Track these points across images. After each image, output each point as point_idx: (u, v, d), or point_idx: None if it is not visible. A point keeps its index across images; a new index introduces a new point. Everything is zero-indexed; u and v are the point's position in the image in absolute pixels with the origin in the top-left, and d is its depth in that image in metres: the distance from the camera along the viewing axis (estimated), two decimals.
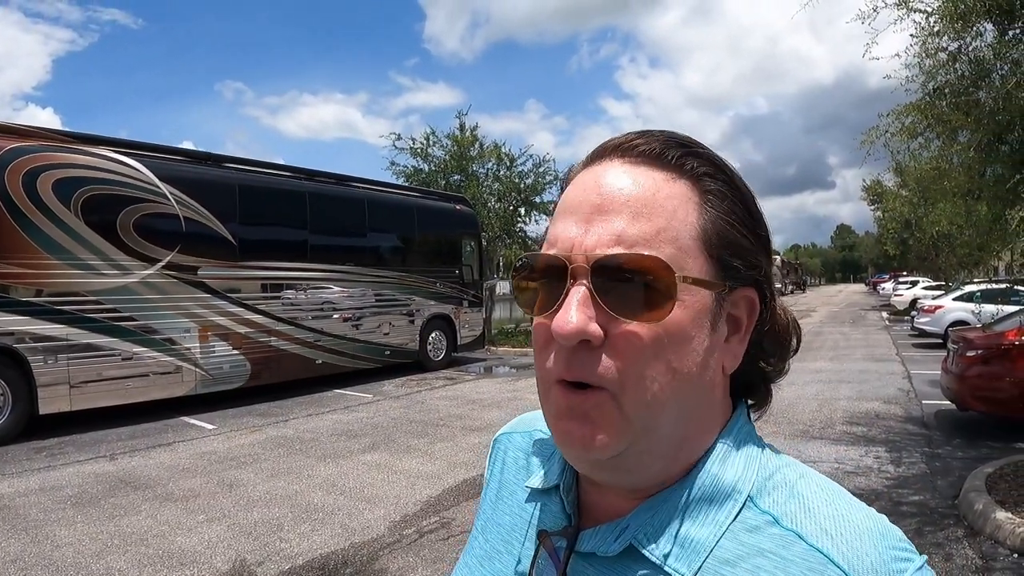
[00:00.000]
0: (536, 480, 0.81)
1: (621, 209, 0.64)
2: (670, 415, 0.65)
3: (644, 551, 0.66)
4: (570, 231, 0.66)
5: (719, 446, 0.70)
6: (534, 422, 0.91)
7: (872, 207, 42.19)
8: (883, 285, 53.66)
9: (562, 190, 0.73)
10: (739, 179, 0.71)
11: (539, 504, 0.79)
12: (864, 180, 40.72)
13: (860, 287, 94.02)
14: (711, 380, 0.68)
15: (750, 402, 0.78)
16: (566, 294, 0.64)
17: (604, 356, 0.63)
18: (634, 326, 0.63)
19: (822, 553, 0.61)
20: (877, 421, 8.86)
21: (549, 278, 0.66)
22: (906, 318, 24.35)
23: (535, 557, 0.74)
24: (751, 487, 0.67)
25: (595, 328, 0.62)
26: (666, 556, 0.65)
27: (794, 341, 0.79)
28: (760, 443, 0.73)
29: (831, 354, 16.34)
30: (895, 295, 34.48)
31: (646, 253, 0.63)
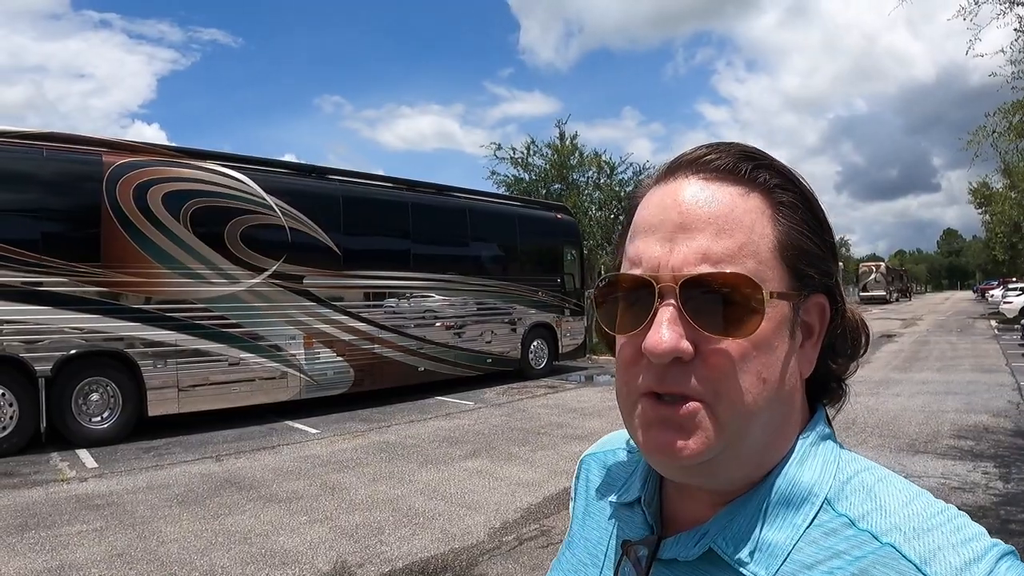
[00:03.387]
0: (619, 495, 0.83)
1: (704, 227, 0.66)
2: (760, 422, 0.66)
3: (723, 555, 0.67)
4: (654, 250, 0.67)
5: (797, 449, 0.70)
6: (616, 441, 0.93)
7: (979, 210, 40.53)
8: (991, 292, 51.55)
9: (631, 205, 0.75)
10: (808, 188, 0.72)
11: (623, 518, 0.81)
12: (970, 182, 39.20)
13: (967, 294, 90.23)
14: (793, 386, 0.70)
15: (826, 402, 0.78)
16: (654, 313, 0.65)
17: (697, 370, 0.64)
18: (725, 342, 0.64)
19: (893, 547, 0.61)
20: (986, 435, 8.25)
21: (634, 297, 0.68)
22: (1016, 327, 22.79)
23: (618, 566, 0.76)
24: (828, 490, 0.67)
25: (687, 346, 0.63)
26: (744, 560, 0.66)
27: (863, 340, 0.79)
28: (838, 446, 0.73)
29: (938, 365, 15.48)
30: (1004, 302, 32.97)
31: (733, 271, 0.64)
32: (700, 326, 0.64)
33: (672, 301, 0.64)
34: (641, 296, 0.66)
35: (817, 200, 0.73)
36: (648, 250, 0.67)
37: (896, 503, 0.65)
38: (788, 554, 0.65)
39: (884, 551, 0.61)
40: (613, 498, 0.83)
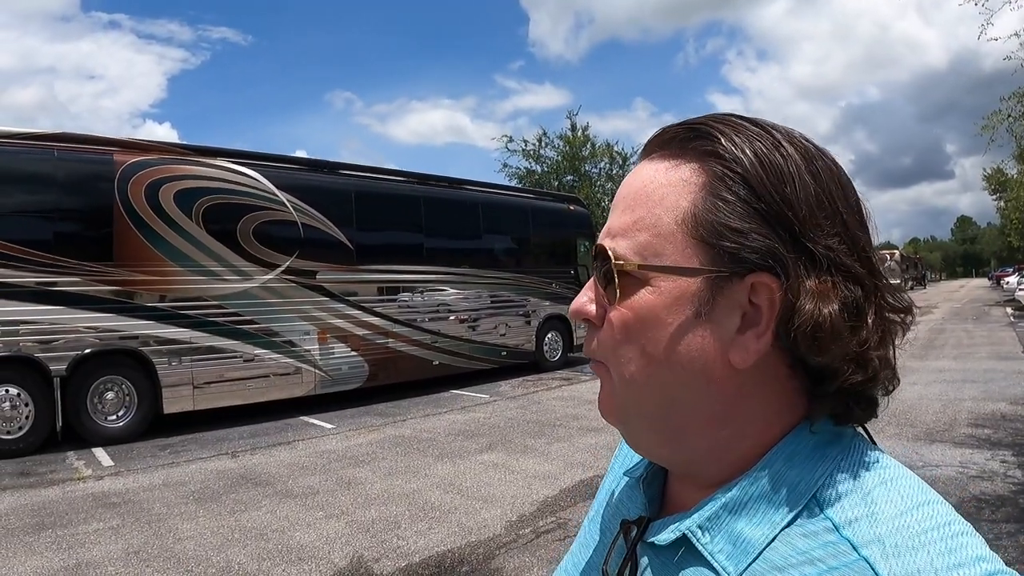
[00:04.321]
0: (631, 472, 0.82)
1: (619, 203, 0.69)
2: (652, 396, 0.66)
3: (697, 544, 0.65)
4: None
5: (786, 444, 0.64)
6: None
7: (994, 197, 40.28)
8: (1007, 279, 50.70)
9: None
10: (767, 158, 0.63)
11: (632, 495, 0.79)
12: (985, 169, 38.91)
13: (983, 281, 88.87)
14: (705, 370, 0.64)
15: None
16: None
17: (598, 335, 0.69)
18: (612, 311, 0.66)
19: (867, 562, 0.56)
20: (1004, 423, 8.11)
21: None
22: None
23: (613, 543, 0.76)
24: (816, 489, 0.62)
25: (590, 308, 0.69)
26: (716, 551, 0.63)
27: (827, 341, 0.65)
28: (847, 444, 0.65)
29: (954, 352, 15.28)
30: (1020, 289, 32.60)
31: (603, 243, 0.68)
32: (600, 293, 0.69)
33: (595, 268, 0.70)
34: None
35: (782, 171, 0.62)
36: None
37: (891, 511, 0.58)
38: (761, 552, 0.61)
39: (857, 565, 0.56)
40: (628, 473, 0.83)
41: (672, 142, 0.68)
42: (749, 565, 0.61)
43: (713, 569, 0.62)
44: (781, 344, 0.62)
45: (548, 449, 7.88)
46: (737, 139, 0.64)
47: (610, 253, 0.66)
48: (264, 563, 4.76)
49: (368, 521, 5.59)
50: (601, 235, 0.70)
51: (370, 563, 4.75)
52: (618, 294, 0.65)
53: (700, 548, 0.64)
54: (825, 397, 0.63)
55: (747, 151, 0.63)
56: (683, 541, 0.66)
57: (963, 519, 0.59)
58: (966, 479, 5.95)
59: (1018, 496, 5.53)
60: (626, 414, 0.69)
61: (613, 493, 0.85)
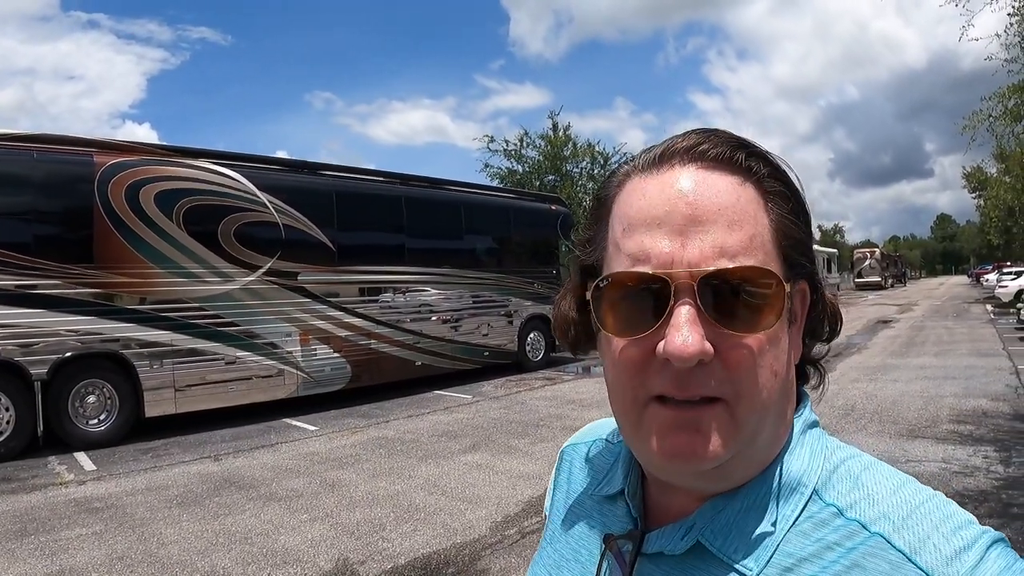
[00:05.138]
0: (601, 487, 0.81)
1: (716, 219, 0.63)
2: (772, 418, 0.66)
3: (712, 548, 0.66)
4: (662, 245, 0.63)
5: (790, 440, 0.70)
6: (597, 432, 0.91)
7: (973, 195, 40.75)
8: (986, 276, 51.52)
9: (607, 194, 0.72)
10: (793, 175, 0.70)
11: (605, 511, 0.79)
12: (964, 167, 39.34)
13: (962, 279, 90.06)
14: (792, 375, 0.69)
15: (808, 386, 0.78)
16: (670, 313, 0.61)
17: (716, 371, 0.62)
18: (744, 339, 0.62)
19: (882, 537, 0.61)
20: (985, 419, 8.25)
21: (640, 297, 0.64)
22: (1011, 311, 22.76)
23: (601, 561, 0.74)
24: (816, 480, 0.67)
25: (709, 347, 0.61)
26: (733, 552, 0.65)
27: (838, 323, 0.78)
28: (824, 434, 0.72)
29: (935, 349, 15.45)
30: (999, 287, 32.81)
31: (752, 264, 0.62)
32: (720, 323, 0.61)
33: (689, 299, 0.61)
34: (652, 295, 0.63)
35: (802, 188, 0.71)
36: (656, 245, 0.63)
37: (884, 491, 0.65)
38: (778, 546, 0.64)
39: (873, 541, 0.61)
40: (595, 491, 0.82)
41: (724, 158, 0.66)
42: (769, 560, 0.64)
43: (733, 569, 0.64)
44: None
45: (532, 449, 7.91)
46: (770, 156, 0.69)
47: (780, 277, 0.64)
48: (249, 567, 4.76)
49: (353, 523, 5.60)
50: (701, 255, 0.62)
51: (356, 566, 4.76)
52: (765, 319, 0.63)
53: (715, 552, 0.66)
54: (807, 373, 0.77)
55: (788, 168, 0.71)
56: (696, 548, 0.67)
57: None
58: (949, 475, 6.05)
59: (1000, 491, 5.64)
60: (743, 447, 0.64)
61: (575, 512, 0.84)
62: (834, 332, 0.77)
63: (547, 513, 0.91)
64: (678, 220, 0.63)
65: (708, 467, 0.63)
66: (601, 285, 0.67)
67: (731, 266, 0.61)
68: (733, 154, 0.66)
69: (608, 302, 0.67)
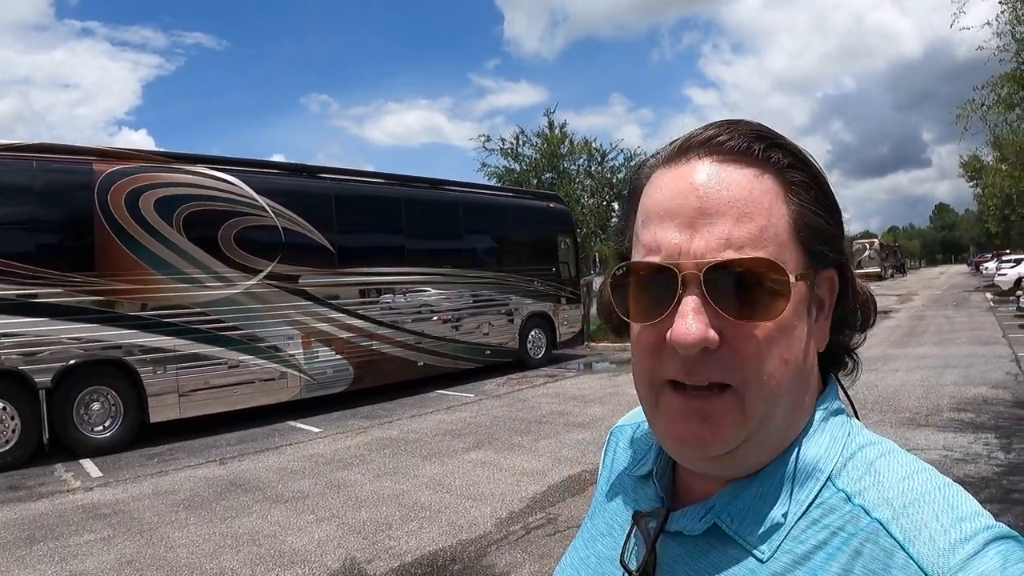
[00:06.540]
0: (637, 467, 0.84)
1: (725, 211, 0.65)
2: (784, 405, 0.67)
3: (728, 531, 0.68)
4: (672, 236, 0.66)
5: (808, 427, 0.70)
6: (642, 415, 0.88)
7: (971, 184, 40.68)
8: (986, 265, 51.85)
9: (635, 187, 0.74)
10: (816, 165, 0.72)
11: (639, 490, 0.82)
12: (961, 156, 39.32)
13: (962, 268, 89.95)
14: (811, 364, 0.71)
15: (838, 374, 0.79)
16: (678, 302, 0.64)
17: (723, 358, 0.64)
18: (750, 327, 0.64)
19: (880, 523, 0.61)
20: (985, 407, 8.29)
21: (654, 285, 0.67)
22: (1011, 298, 22.80)
23: (628, 535, 0.77)
24: (833, 467, 0.68)
25: (713, 335, 0.63)
26: (748, 536, 0.67)
27: (872, 312, 0.79)
28: (848, 421, 0.73)
29: (935, 339, 15.49)
30: (999, 275, 32.88)
31: (757, 255, 0.64)
32: (726, 312, 0.63)
33: (696, 289, 0.64)
34: (661, 284, 0.66)
35: (826, 178, 0.72)
36: (666, 237, 0.66)
37: (894, 477, 0.65)
38: (789, 531, 0.65)
39: (872, 527, 0.61)
40: (632, 470, 0.85)
41: (741, 150, 0.68)
42: (780, 544, 0.65)
43: (748, 552, 0.66)
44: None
45: (535, 446, 7.95)
46: (792, 146, 0.71)
47: (782, 266, 0.65)
48: (257, 568, 4.80)
49: (359, 523, 5.64)
50: (707, 246, 0.64)
51: (363, 564, 4.80)
52: (772, 308, 0.64)
53: (731, 534, 0.68)
54: (841, 362, 0.79)
55: (811, 158, 0.72)
56: (713, 530, 0.69)
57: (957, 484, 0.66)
58: (950, 462, 6.09)
59: (1001, 477, 5.68)
60: (752, 435, 0.66)
61: (614, 490, 0.87)
62: (867, 321, 0.78)
63: (597, 490, 0.94)
64: (688, 213, 0.66)
65: (715, 453, 0.66)
66: (618, 273, 0.71)
67: (737, 257, 0.63)
68: (751, 146, 0.67)
69: (627, 289, 0.70)
